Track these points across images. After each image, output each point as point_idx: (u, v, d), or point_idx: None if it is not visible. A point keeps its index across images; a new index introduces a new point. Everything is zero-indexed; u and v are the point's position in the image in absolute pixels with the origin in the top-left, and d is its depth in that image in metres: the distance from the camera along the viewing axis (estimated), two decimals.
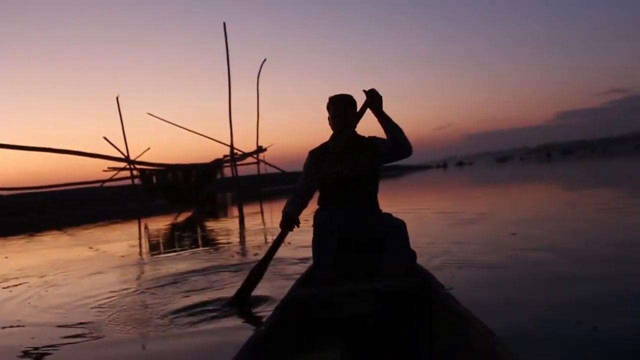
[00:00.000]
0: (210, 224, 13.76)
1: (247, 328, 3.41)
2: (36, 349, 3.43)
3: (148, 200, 27.81)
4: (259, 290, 3.99)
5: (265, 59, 29.11)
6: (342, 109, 3.67)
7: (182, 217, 17.58)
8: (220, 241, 9.32)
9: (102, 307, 4.36)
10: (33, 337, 3.66)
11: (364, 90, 3.56)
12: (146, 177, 29.05)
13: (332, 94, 3.74)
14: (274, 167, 30.41)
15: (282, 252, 5.61)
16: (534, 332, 2.87)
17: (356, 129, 3.74)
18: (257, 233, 10.03)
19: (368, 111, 3.62)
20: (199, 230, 12.49)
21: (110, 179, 30.31)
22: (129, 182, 29.77)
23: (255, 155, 30.16)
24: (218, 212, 19.32)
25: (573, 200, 10.55)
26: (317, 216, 3.65)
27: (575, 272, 4.15)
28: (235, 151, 28.82)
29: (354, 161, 3.65)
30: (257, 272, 3.87)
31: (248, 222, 13.29)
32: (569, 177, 22.16)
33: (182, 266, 6.18)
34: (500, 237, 6.20)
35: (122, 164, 29.04)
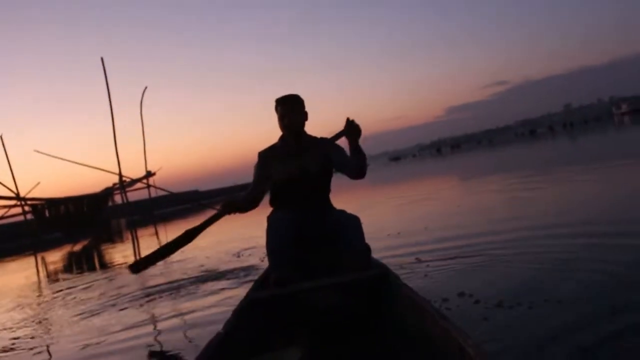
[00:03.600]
0: (107, 250, 13.45)
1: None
2: None
3: (42, 234, 26.71)
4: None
5: (146, 87, 28.70)
6: (289, 108, 3.50)
7: (78, 247, 16.97)
8: (116, 263, 9.28)
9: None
10: None
11: (347, 118, 3.33)
12: (38, 211, 28.01)
13: (278, 96, 3.55)
14: (163, 189, 30.08)
15: (251, 261, 6.09)
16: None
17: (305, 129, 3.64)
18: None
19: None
20: (95, 256, 12.28)
21: (2, 217, 28.88)
22: (21, 218, 28.40)
23: (145, 180, 29.65)
24: (113, 237, 18.79)
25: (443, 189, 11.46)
26: (270, 217, 3.47)
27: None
28: (124, 178, 28.23)
29: (304, 161, 3.48)
30: (170, 246, 3.66)
31: (142, 244, 13.21)
32: (449, 169, 24.55)
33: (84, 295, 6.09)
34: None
35: (12, 202, 27.76)
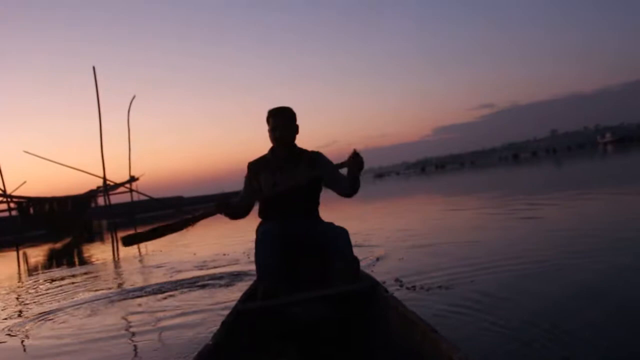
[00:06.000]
0: (87, 248, 14.07)
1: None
2: None
3: (26, 230, 27.16)
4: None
5: (134, 96, 29.26)
6: (280, 121, 3.46)
7: (59, 244, 17.56)
8: (95, 261, 9.88)
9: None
10: None
11: (354, 150, 3.31)
12: (23, 208, 28.44)
13: (270, 107, 3.53)
14: (144, 194, 30.68)
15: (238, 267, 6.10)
16: None
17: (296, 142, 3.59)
18: (131, 257, 10.47)
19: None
20: (76, 254, 12.90)
21: None
22: (6, 214, 28.80)
23: (127, 185, 30.19)
24: (94, 237, 19.39)
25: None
26: (259, 229, 3.46)
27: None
28: (107, 182, 28.80)
29: (293, 173, 3.45)
30: (163, 229, 3.66)
31: (122, 246, 13.77)
32: (426, 187, 25.61)
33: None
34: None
35: None
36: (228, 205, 3.46)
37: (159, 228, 3.64)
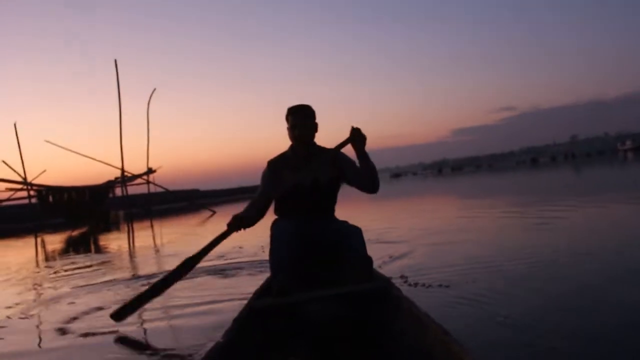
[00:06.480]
0: (103, 237, 14.33)
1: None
2: None
3: (45, 218, 27.61)
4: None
5: (155, 89, 29.55)
6: (300, 119, 3.42)
7: (76, 232, 17.84)
8: (111, 250, 10.13)
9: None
10: None
11: (352, 127, 3.33)
12: (43, 196, 28.93)
13: (291, 105, 3.50)
14: (161, 187, 31.04)
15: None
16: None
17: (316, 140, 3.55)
18: (147, 247, 10.73)
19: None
20: (92, 242, 13.13)
21: (8, 199, 29.81)
22: (26, 202, 29.29)
23: (145, 177, 30.57)
24: (111, 227, 19.70)
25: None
26: (274, 226, 3.43)
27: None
28: (125, 173, 29.19)
29: (314, 171, 3.43)
30: (168, 281, 3.50)
31: (137, 234, 14.12)
32: (440, 189, 25.52)
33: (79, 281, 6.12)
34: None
35: (19, 186, 28.69)
36: (237, 217, 3.34)
37: (154, 286, 3.49)
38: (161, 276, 3.61)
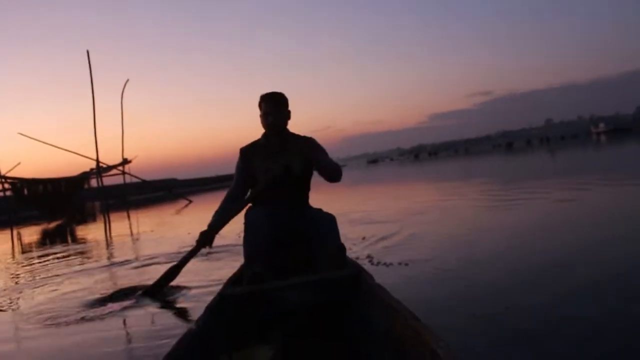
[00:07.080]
0: (79, 228, 14.42)
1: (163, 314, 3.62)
2: None
3: (20, 211, 27.43)
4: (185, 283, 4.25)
5: (128, 79, 29.43)
6: (272, 106, 3.41)
7: (53, 224, 17.83)
8: (87, 240, 10.23)
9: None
10: None
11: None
12: (17, 189, 28.70)
13: (263, 92, 3.48)
14: (136, 177, 30.98)
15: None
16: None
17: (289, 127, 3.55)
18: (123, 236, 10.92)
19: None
20: (68, 233, 13.21)
21: None
22: (0, 194, 29.02)
23: (120, 167, 30.50)
24: (87, 218, 19.70)
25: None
26: (248, 214, 3.38)
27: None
28: (100, 164, 29.10)
29: (286, 159, 3.43)
30: (170, 274, 3.96)
31: (114, 225, 14.23)
32: (414, 174, 25.79)
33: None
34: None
35: None
36: (205, 233, 3.53)
37: (167, 274, 4.00)
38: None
